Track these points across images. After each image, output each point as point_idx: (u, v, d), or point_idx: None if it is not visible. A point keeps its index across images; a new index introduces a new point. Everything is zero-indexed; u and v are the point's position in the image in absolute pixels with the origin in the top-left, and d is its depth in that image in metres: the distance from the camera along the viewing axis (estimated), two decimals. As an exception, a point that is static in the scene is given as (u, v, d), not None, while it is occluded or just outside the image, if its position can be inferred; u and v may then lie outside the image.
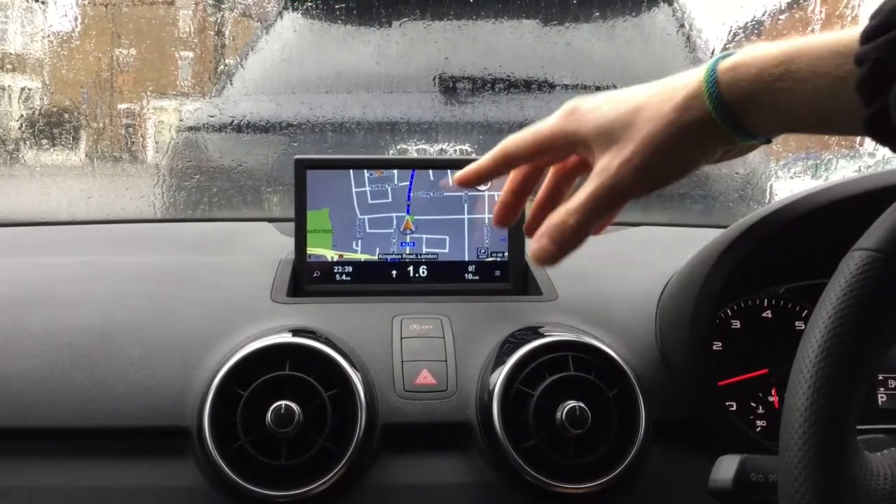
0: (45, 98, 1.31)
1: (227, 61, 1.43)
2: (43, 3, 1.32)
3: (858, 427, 0.40)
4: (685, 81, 0.48)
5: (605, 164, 0.51)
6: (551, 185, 0.63)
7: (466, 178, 0.62)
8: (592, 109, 0.53)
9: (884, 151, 1.28)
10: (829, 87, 0.42)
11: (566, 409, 0.61)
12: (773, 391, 0.73)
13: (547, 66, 1.29)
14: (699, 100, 0.47)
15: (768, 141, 0.50)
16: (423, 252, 0.82)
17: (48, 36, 1.32)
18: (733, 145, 0.49)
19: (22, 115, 1.31)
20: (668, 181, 0.51)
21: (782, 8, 1.36)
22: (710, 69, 0.47)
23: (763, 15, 1.35)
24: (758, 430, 0.72)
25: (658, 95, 0.49)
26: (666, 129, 0.48)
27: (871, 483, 0.39)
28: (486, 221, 0.82)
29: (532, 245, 0.56)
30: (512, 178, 0.63)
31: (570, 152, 0.56)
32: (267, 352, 0.63)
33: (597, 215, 0.52)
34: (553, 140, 0.55)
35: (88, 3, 1.28)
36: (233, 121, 1.25)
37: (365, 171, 0.81)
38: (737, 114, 0.46)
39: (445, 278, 0.82)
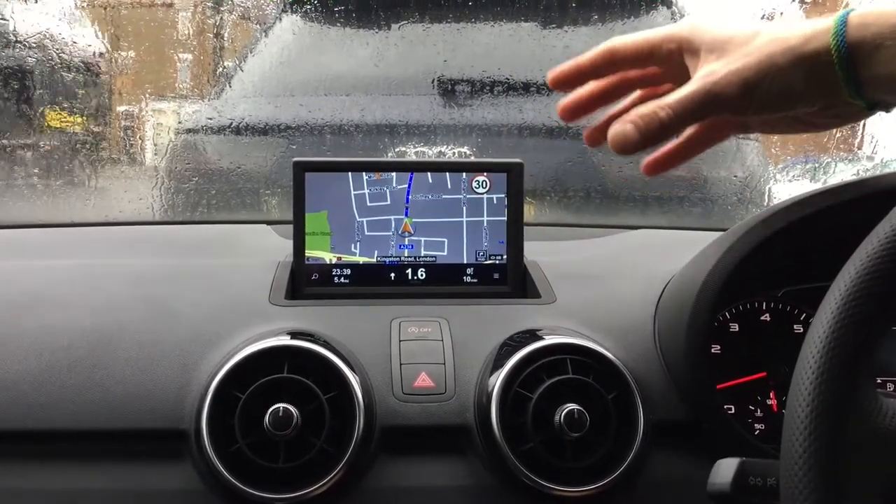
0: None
1: (225, 64, 1.42)
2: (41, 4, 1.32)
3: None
4: (815, 20, 0.48)
5: (713, 69, 0.50)
6: (635, 103, 0.60)
7: (563, 72, 0.58)
8: (711, 23, 0.53)
9: (882, 154, 1.28)
10: None
11: (564, 412, 0.61)
12: (771, 394, 0.73)
13: (546, 68, 1.28)
14: (825, 35, 0.47)
15: (871, 109, 0.50)
16: (422, 254, 0.82)
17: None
18: (837, 100, 0.49)
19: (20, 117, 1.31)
20: (765, 108, 0.50)
21: (780, 12, 1.36)
22: (845, 12, 0.47)
23: (761, 19, 1.35)
24: (756, 433, 0.72)
25: (783, 25, 0.50)
26: (785, 51, 0.48)
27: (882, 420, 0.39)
28: (485, 224, 0.82)
29: (613, 127, 0.52)
30: (598, 82, 0.60)
31: (676, 61, 0.54)
32: (265, 354, 0.63)
33: (688, 116, 0.51)
34: (663, 42, 0.54)
35: (87, 4, 1.28)
36: (231, 123, 1.25)
37: (363, 173, 0.81)
38: (855, 58, 0.46)
39: (444, 281, 0.82)
